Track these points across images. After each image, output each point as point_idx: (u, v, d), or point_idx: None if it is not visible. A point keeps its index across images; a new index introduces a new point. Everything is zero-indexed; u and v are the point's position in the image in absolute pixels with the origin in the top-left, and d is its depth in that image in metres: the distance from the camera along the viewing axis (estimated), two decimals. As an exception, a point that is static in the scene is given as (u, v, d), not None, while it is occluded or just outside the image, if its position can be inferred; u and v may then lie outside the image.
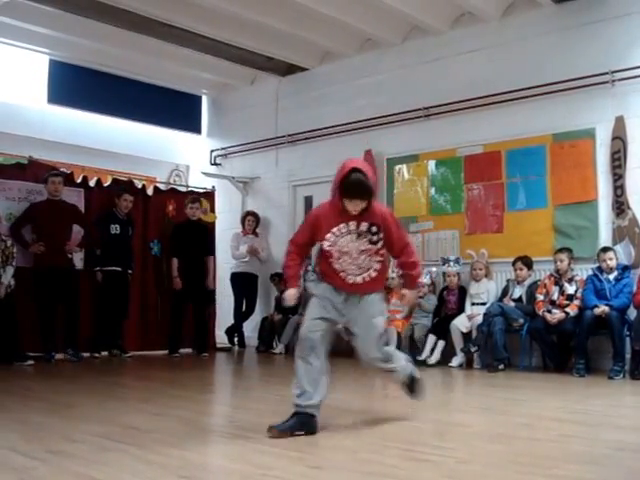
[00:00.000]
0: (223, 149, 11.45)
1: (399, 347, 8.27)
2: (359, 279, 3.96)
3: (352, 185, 3.76)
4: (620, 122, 7.55)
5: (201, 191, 10.53)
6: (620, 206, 7.52)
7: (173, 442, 3.62)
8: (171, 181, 11.32)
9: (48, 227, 8.16)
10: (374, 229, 3.89)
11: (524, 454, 3.39)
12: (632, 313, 7.00)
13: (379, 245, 3.93)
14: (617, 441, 3.67)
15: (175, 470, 3.03)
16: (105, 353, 8.76)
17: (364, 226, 3.88)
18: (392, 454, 3.39)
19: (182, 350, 9.29)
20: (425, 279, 8.41)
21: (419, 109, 9.00)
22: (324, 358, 3.93)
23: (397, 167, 9.31)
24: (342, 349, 9.13)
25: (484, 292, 7.99)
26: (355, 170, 3.75)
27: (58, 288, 8.11)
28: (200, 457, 3.34)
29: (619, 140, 7.55)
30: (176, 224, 9.61)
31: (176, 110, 11.35)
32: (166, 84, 11.11)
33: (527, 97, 8.08)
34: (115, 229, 8.77)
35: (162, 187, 10.42)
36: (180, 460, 3.23)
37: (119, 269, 8.79)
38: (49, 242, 8.11)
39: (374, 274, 3.99)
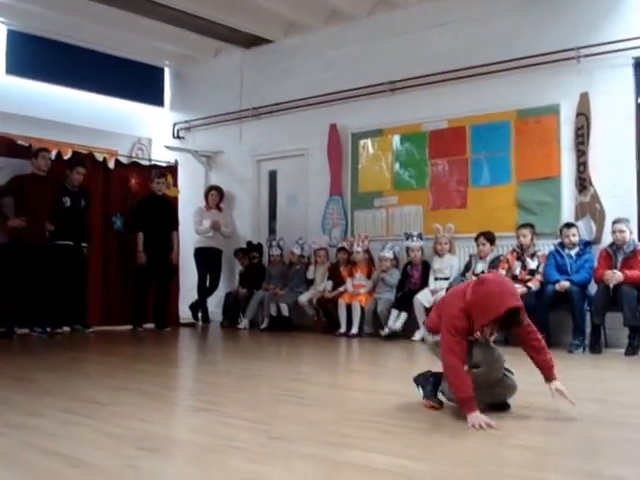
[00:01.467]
0: (186, 122, 11.31)
1: (362, 321, 8.33)
2: None
3: (511, 324, 3.53)
4: (584, 98, 7.59)
5: (164, 165, 10.41)
6: (582, 182, 7.58)
7: (135, 415, 3.60)
8: (133, 155, 11.16)
9: (31, 202, 8.02)
10: None
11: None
12: (592, 288, 7.09)
13: None
14: (571, 411, 3.71)
15: (136, 442, 3.00)
16: (67, 329, 8.66)
17: None
18: (354, 425, 3.39)
19: (145, 325, 9.22)
20: (388, 254, 8.44)
21: (384, 83, 8.96)
22: None
23: (362, 142, 9.29)
24: (308, 324, 9.22)
25: (447, 267, 8.03)
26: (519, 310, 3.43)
27: (33, 265, 8.00)
28: (162, 429, 3.31)
29: (583, 116, 7.59)
30: (141, 198, 9.50)
31: (138, 82, 11.17)
32: (128, 55, 10.90)
33: (492, 72, 8.08)
34: (66, 202, 8.57)
35: (124, 160, 10.27)
36: (141, 432, 3.21)
37: (71, 243, 8.60)
38: (30, 218, 7.97)
39: None
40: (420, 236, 8.34)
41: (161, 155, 11.06)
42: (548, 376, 3.64)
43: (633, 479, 2.55)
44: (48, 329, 8.22)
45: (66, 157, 9.17)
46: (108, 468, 2.61)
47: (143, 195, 9.56)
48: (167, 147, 11.02)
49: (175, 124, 11.44)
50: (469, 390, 3.37)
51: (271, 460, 2.75)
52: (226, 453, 2.86)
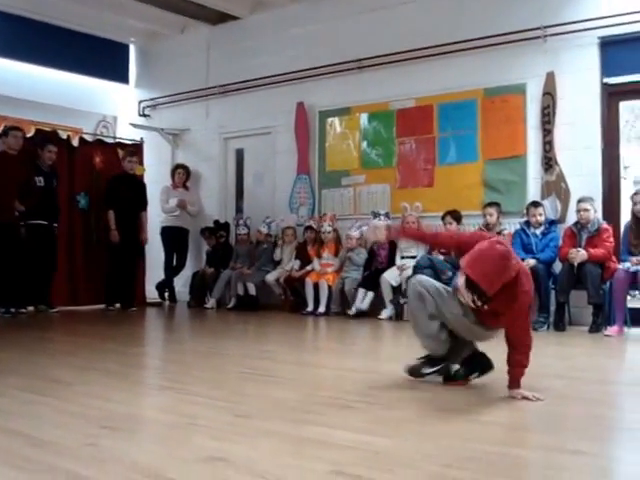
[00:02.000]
0: (152, 100, 11.16)
1: (329, 300, 8.34)
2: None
3: None
4: (551, 78, 7.62)
5: (129, 143, 10.28)
6: (548, 161, 7.63)
7: (98, 394, 3.57)
8: (98, 132, 11.01)
9: (0, 182, 7.90)
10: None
11: (448, 401, 3.44)
12: (557, 267, 7.15)
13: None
14: (537, 388, 3.74)
15: (99, 421, 2.97)
16: (31, 308, 8.55)
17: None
18: (320, 402, 3.39)
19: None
20: (355, 233, 8.43)
21: (352, 61, 8.91)
22: None
23: (329, 120, 9.24)
24: (276, 303, 9.20)
25: (414, 246, 8.03)
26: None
27: (1, 244, 7.91)
28: (125, 408, 3.28)
29: (549, 96, 7.63)
30: (112, 176, 9.36)
31: (102, 59, 10.98)
32: (92, 32, 10.69)
33: (460, 51, 8.07)
34: (39, 181, 8.47)
35: (88, 139, 10.12)
36: (105, 411, 3.18)
37: (45, 223, 8.52)
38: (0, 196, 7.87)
39: None
40: (387, 215, 8.35)
41: (126, 133, 10.93)
42: (509, 383, 3.51)
43: (596, 453, 2.58)
44: (12, 309, 8.12)
45: (29, 135, 9.00)
46: (70, 447, 2.58)
47: (111, 173, 9.43)
48: (132, 125, 10.88)
49: (141, 102, 11.29)
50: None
51: (235, 438, 2.73)
52: (190, 431, 2.84)
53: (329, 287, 8.37)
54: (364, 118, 8.95)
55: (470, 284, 3.30)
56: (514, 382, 3.47)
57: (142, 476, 2.26)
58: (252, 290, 9.12)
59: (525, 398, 3.39)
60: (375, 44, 8.74)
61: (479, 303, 3.34)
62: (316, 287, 8.49)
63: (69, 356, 5.12)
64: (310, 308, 8.47)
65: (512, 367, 3.48)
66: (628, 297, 6.91)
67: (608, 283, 6.75)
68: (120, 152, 9.80)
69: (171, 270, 10.11)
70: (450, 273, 7.40)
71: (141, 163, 10.16)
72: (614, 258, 6.86)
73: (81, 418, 3.04)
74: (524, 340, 3.49)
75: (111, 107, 11.51)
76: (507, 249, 3.37)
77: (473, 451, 2.58)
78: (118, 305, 9.21)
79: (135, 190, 9.34)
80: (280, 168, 9.74)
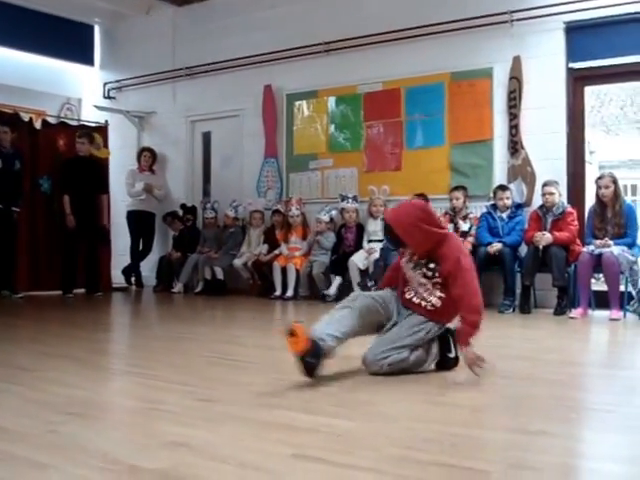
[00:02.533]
0: (117, 82, 11.02)
1: (297, 284, 8.33)
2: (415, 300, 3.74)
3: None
4: (517, 62, 7.65)
5: (93, 125, 10.15)
6: (514, 145, 7.67)
7: (61, 380, 3.53)
8: (62, 115, 10.85)
9: None
10: (432, 265, 3.67)
11: (413, 382, 3.45)
12: (523, 250, 7.21)
13: (436, 280, 3.68)
14: (501, 370, 3.79)
15: (61, 407, 2.93)
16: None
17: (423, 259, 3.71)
18: (284, 386, 3.39)
19: (75, 290, 9.04)
20: (325, 217, 8.43)
21: (319, 44, 8.87)
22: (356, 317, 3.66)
23: (297, 103, 9.21)
24: (243, 288, 9.17)
25: (381, 229, 8.04)
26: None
27: None
28: (88, 394, 3.25)
29: (515, 80, 7.66)
30: (65, 159, 9.21)
31: (66, 40, 10.79)
32: (56, 12, 10.49)
33: (427, 35, 8.07)
34: None
35: (52, 121, 9.96)
36: (67, 398, 3.14)
37: (0, 206, 8.33)
38: None
39: (430, 307, 3.70)
40: (355, 198, 8.35)
41: (91, 116, 10.78)
42: (458, 339, 3.59)
43: (559, 434, 2.60)
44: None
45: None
46: (31, 434, 2.54)
47: (69, 156, 9.28)
48: (97, 107, 10.73)
49: (106, 84, 11.14)
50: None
51: (198, 423, 2.72)
52: (152, 416, 2.82)
53: (297, 271, 8.37)
54: (332, 101, 8.93)
55: (387, 228, 3.74)
56: (463, 339, 3.50)
57: (103, 462, 2.24)
58: (220, 274, 9.08)
59: (472, 359, 3.45)
60: (343, 27, 8.71)
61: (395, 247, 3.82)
62: (284, 271, 8.48)
63: (31, 342, 5.07)
64: (278, 292, 8.47)
65: (462, 324, 3.55)
66: (592, 280, 7.00)
67: (573, 266, 6.83)
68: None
69: (137, 255, 10.03)
70: (416, 256, 7.45)
71: (106, 146, 10.05)
72: (579, 241, 6.94)
73: (43, 405, 3.00)
74: (467, 300, 3.54)
75: (75, 89, 11.34)
76: (425, 204, 3.85)
77: (435, 433, 2.59)
78: (77, 291, 9.06)
79: (91, 172, 9.14)
80: (248, 151, 9.69)
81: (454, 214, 7.57)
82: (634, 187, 16.13)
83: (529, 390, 3.40)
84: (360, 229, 8.25)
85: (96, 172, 9.26)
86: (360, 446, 2.42)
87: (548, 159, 7.48)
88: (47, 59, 10.61)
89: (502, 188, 7.41)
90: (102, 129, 10.14)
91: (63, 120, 10.25)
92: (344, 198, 8.34)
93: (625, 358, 4.73)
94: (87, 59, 11.28)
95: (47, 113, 10.33)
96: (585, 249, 6.68)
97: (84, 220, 8.94)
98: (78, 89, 11.36)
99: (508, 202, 7.32)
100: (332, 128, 8.93)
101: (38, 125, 9.54)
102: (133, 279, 10.09)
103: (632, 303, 6.69)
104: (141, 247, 10.05)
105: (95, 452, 2.34)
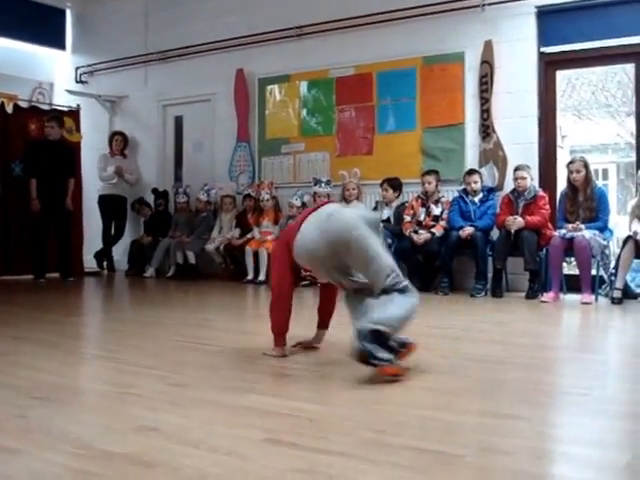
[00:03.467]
0: (89, 66, 10.87)
1: (269, 269, 8.30)
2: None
3: None
4: (489, 46, 7.65)
5: (65, 110, 10.02)
6: (486, 130, 7.69)
7: (30, 364, 3.50)
8: (34, 99, 10.70)
9: None
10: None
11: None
12: (495, 234, 7.25)
13: None
14: (473, 354, 3.81)
15: (29, 391, 2.91)
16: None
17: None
18: (256, 370, 3.38)
19: (48, 275, 8.94)
20: (297, 201, 8.40)
21: (291, 28, 8.81)
22: None
23: (269, 87, 9.15)
24: (215, 272, 9.14)
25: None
26: None
27: None
28: (58, 378, 3.22)
29: (487, 64, 7.66)
30: (31, 143, 9.07)
31: (38, 24, 10.59)
32: (25, -5, 10.36)
33: (399, 19, 8.04)
34: None
35: (24, 105, 9.82)
36: (36, 382, 3.11)
37: None
38: None
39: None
40: (329, 183, 8.32)
41: (63, 100, 10.64)
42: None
43: (530, 418, 2.62)
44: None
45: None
46: (-1, 419, 2.52)
47: (34, 140, 9.15)
48: (68, 91, 10.59)
49: (77, 68, 10.99)
50: None
51: (169, 407, 2.71)
52: (123, 401, 2.81)
53: (269, 255, 8.33)
54: (304, 86, 8.89)
55: None
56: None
57: (72, 447, 2.23)
58: (192, 259, 9.04)
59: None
60: (315, 11, 8.65)
61: None
62: (256, 255, 8.45)
63: (2, 326, 4.99)
64: (250, 276, 8.44)
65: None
66: (564, 264, 7.06)
67: (544, 250, 6.87)
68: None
69: (109, 239, 9.95)
70: (390, 240, 7.50)
71: (78, 130, 9.94)
72: (550, 225, 6.99)
73: (11, 389, 2.97)
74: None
75: (47, 73, 11.18)
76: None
77: (407, 416, 2.60)
78: (50, 275, 8.96)
79: (59, 156, 8.95)
80: (220, 136, 9.62)
81: (426, 198, 7.59)
82: (605, 171, 16.30)
83: (501, 374, 3.41)
84: (333, 212, 8.22)
85: (64, 156, 9.09)
86: (332, 430, 2.42)
87: (520, 143, 7.51)
88: (18, 43, 10.43)
89: (470, 172, 7.43)
90: (74, 113, 10.01)
91: (35, 104, 10.11)
92: (317, 182, 8.32)
93: (597, 342, 4.77)
94: (59, 43, 11.11)
95: (19, 97, 10.16)
96: (557, 233, 6.73)
97: (51, 204, 8.80)
98: (50, 73, 11.20)
99: (476, 186, 7.34)
100: (304, 112, 8.90)
101: (10, 109, 9.40)
102: (105, 263, 10.00)
103: (603, 287, 6.76)
104: (113, 231, 9.96)
105: (65, 437, 2.32)
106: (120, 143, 10.02)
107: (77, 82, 10.96)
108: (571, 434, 2.50)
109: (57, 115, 9.32)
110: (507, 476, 2.03)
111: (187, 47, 9.71)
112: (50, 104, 10.62)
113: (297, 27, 8.79)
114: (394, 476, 2.01)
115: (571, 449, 2.30)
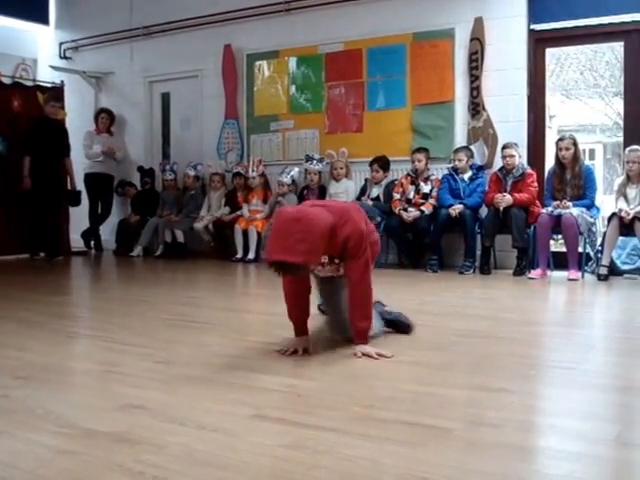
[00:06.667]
0: (73, 42, 10.71)
1: (259, 247, 8.27)
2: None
3: None
4: (479, 23, 7.58)
5: (49, 86, 9.90)
6: (476, 107, 7.64)
7: (14, 344, 3.45)
8: (17, 75, 10.55)
9: None
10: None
11: (373, 342, 3.41)
12: (484, 212, 7.23)
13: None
14: (462, 329, 3.81)
15: (11, 371, 2.87)
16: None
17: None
18: (244, 347, 3.35)
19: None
20: (286, 179, 8.34)
21: (280, 3, 8.69)
22: None
23: (257, 63, 9.05)
24: (204, 250, 9.09)
25: (343, 191, 8.00)
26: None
27: None
28: (40, 357, 3.17)
29: (477, 42, 7.60)
30: (33, 121, 8.92)
31: (20, -2, 10.47)
32: (8, -31, 10.18)
33: (389, -6, 7.98)
34: None
35: (7, 82, 9.68)
36: (19, 362, 3.07)
37: None
38: None
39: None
40: (321, 160, 8.26)
41: (47, 76, 10.49)
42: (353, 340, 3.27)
43: (518, 391, 2.61)
44: None
45: None
46: (-19, 398, 2.48)
47: (32, 117, 9.04)
48: (52, 67, 10.45)
49: (62, 43, 10.83)
50: None
51: (155, 384, 2.68)
52: (107, 379, 2.77)
53: (258, 233, 8.30)
54: (293, 62, 8.79)
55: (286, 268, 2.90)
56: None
57: (55, 426, 2.19)
58: (180, 237, 8.98)
59: (367, 355, 3.14)
60: (303, -15, 8.56)
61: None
62: (245, 234, 8.40)
63: (-13, 305, 4.96)
64: (239, 255, 8.39)
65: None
66: (551, 241, 7.06)
67: (532, 227, 6.86)
68: (40, 95, 9.40)
69: (96, 218, 9.85)
70: (379, 218, 7.47)
71: (62, 107, 9.81)
72: (538, 202, 6.98)
73: (-6, 368, 2.94)
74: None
75: (31, 49, 11.01)
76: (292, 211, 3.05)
77: (396, 391, 2.58)
78: (43, 254, 8.93)
79: (57, 136, 8.93)
80: (208, 113, 9.52)
81: (416, 176, 7.55)
82: (592, 151, 16.31)
83: (489, 348, 3.41)
84: (323, 191, 8.19)
85: (60, 135, 9.02)
86: (321, 406, 2.40)
87: (509, 121, 7.47)
88: (1, 18, 10.26)
89: (456, 150, 7.40)
90: (58, 90, 9.88)
91: (18, 81, 9.96)
92: (309, 159, 8.25)
93: (584, 317, 4.79)
94: (42, 18, 10.91)
95: (2, 74, 10.01)
96: (544, 210, 6.72)
97: (45, 184, 8.72)
98: (33, 49, 11.03)
99: (461, 164, 7.30)
100: (293, 89, 8.81)
101: (-8, 86, 9.27)
102: (92, 243, 9.92)
103: (590, 264, 6.76)
104: (100, 210, 9.87)
105: (48, 416, 2.29)
106: (106, 121, 9.90)
107: (61, 58, 10.80)
108: (559, 407, 2.49)
109: (59, 96, 9.23)
110: (496, 449, 2.02)
111: (173, 22, 9.56)
112: (34, 80, 10.47)
113: (286, 2, 8.67)
114: (383, 450, 1.99)
115: (560, 422, 2.29)
